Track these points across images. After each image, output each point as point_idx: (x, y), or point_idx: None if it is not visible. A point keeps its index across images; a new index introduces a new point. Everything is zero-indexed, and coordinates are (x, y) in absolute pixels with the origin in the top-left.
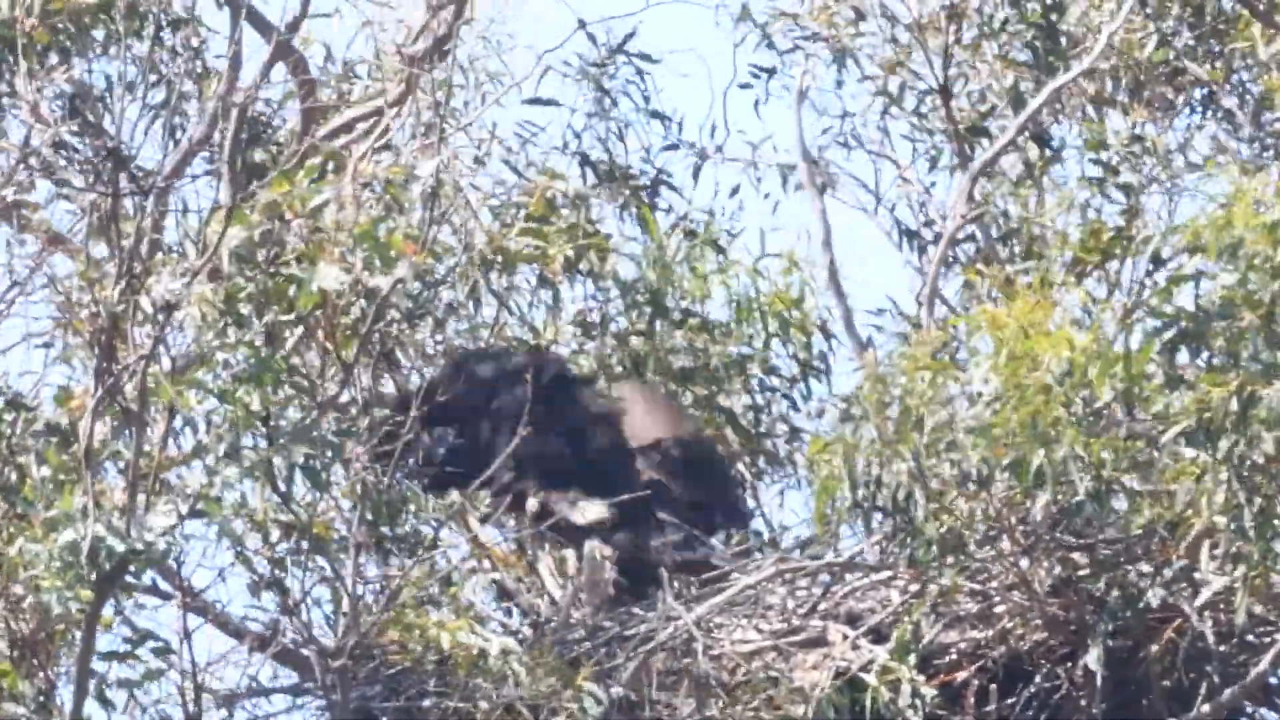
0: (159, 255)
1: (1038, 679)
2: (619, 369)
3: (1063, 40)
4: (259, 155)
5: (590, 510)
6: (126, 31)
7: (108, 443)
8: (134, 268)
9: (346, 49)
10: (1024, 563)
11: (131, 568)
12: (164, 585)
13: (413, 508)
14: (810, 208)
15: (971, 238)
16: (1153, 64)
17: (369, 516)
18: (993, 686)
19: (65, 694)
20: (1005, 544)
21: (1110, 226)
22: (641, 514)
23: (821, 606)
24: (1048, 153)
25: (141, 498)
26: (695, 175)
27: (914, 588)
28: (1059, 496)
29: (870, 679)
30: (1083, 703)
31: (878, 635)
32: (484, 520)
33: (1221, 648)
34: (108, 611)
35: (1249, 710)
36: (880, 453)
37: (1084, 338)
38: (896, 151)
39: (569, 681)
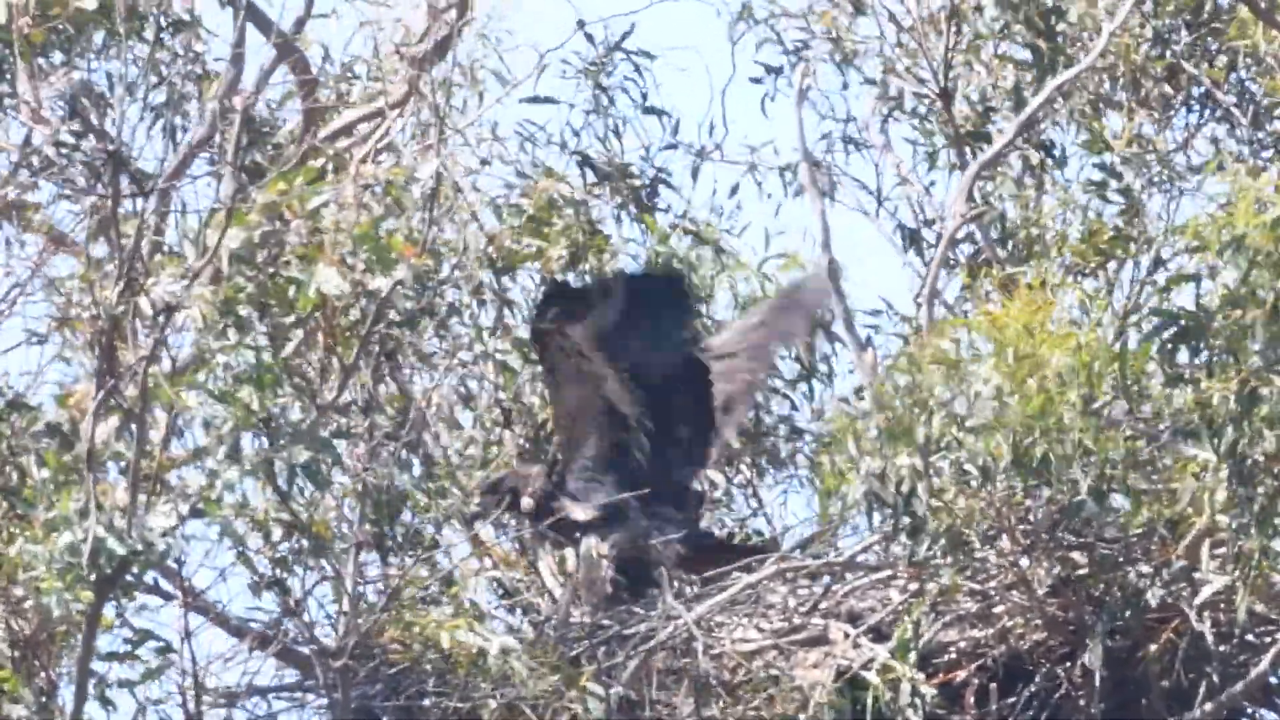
0: (159, 256)
1: (1037, 678)
2: None
3: (1060, 40)
4: (259, 156)
5: (578, 510)
6: (127, 33)
7: (109, 443)
8: (134, 269)
9: (345, 49)
10: (1024, 562)
11: (132, 569)
12: (166, 585)
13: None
14: (811, 209)
15: (971, 238)
16: (1150, 63)
17: (370, 516)
18: (992, 686)
19: (66, 695)
20: (1005, 543)
21: (1110, 227)
22: (636, 513)
23: (823, 605)
24: (1049, 162)
25: (142, 499)
26: (694, 175)
27: (914, 587)
28: (1060, 494)
29: (872, 677)
30: (1082, 702)
31: (878, 634)
32: (472, 520)
33: (1221, 647)
34: (108, 612)
35: (1249, 710)
36: (887, 445)
37: (1084, 337)
38: (898, 153)
39: (571, 681)
